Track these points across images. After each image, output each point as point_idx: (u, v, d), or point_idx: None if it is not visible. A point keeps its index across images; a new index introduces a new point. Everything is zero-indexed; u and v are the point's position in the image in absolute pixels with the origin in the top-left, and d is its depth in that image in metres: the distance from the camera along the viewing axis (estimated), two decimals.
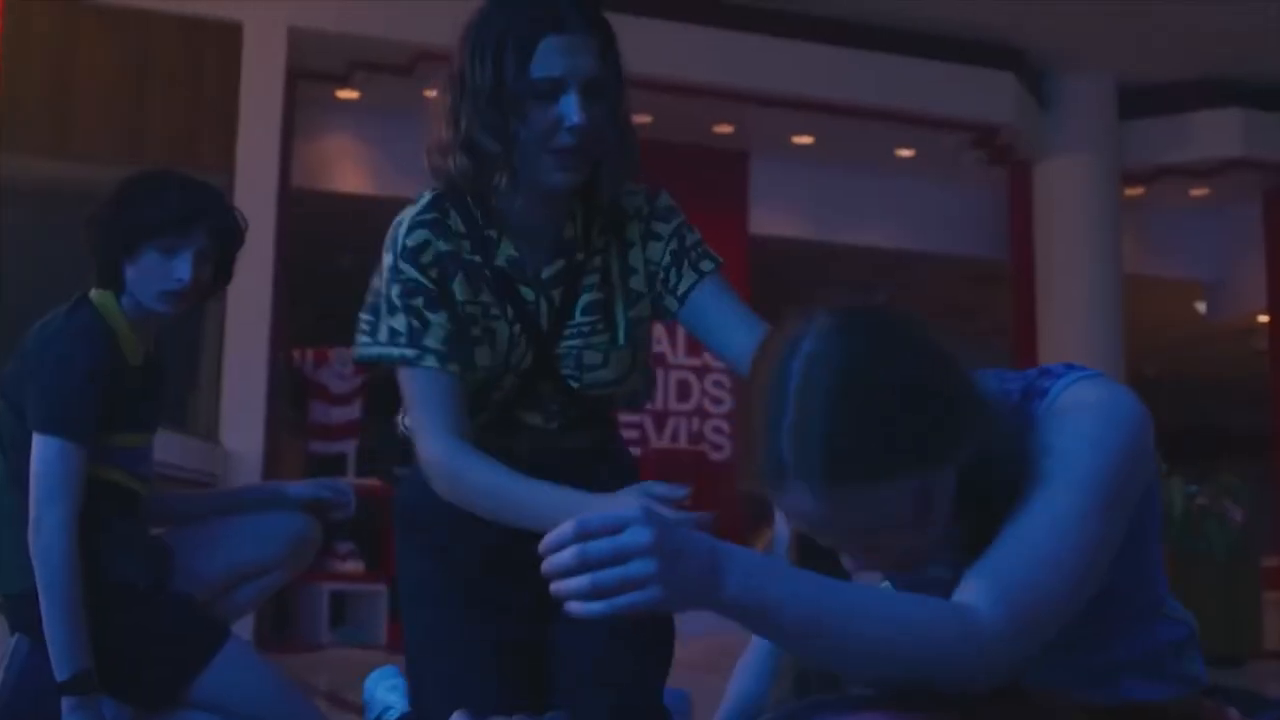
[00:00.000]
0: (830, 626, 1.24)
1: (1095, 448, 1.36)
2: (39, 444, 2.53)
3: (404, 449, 2.15)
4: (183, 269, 2.66)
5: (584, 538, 1.18)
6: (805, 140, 10.18)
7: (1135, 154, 10.58)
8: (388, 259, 2.05)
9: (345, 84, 9.14)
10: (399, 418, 2.22)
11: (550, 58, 1.92)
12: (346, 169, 9.71)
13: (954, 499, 1.36)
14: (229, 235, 2.76)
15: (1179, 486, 9.27)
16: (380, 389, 10.38)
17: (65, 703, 2.44)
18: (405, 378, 2.05)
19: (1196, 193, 11.24)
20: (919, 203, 10.90)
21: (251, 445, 8.08)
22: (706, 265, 2.13)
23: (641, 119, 9.59)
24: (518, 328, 2.07)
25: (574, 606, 1.18)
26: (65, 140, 7.90)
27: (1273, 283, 11.23)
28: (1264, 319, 11.55)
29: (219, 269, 2.77)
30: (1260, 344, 12.13)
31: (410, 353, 2.03)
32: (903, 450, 1.28)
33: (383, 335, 2.04)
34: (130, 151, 7.70)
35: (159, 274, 2.66)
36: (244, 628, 7.55)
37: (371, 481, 9.73)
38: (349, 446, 9.63)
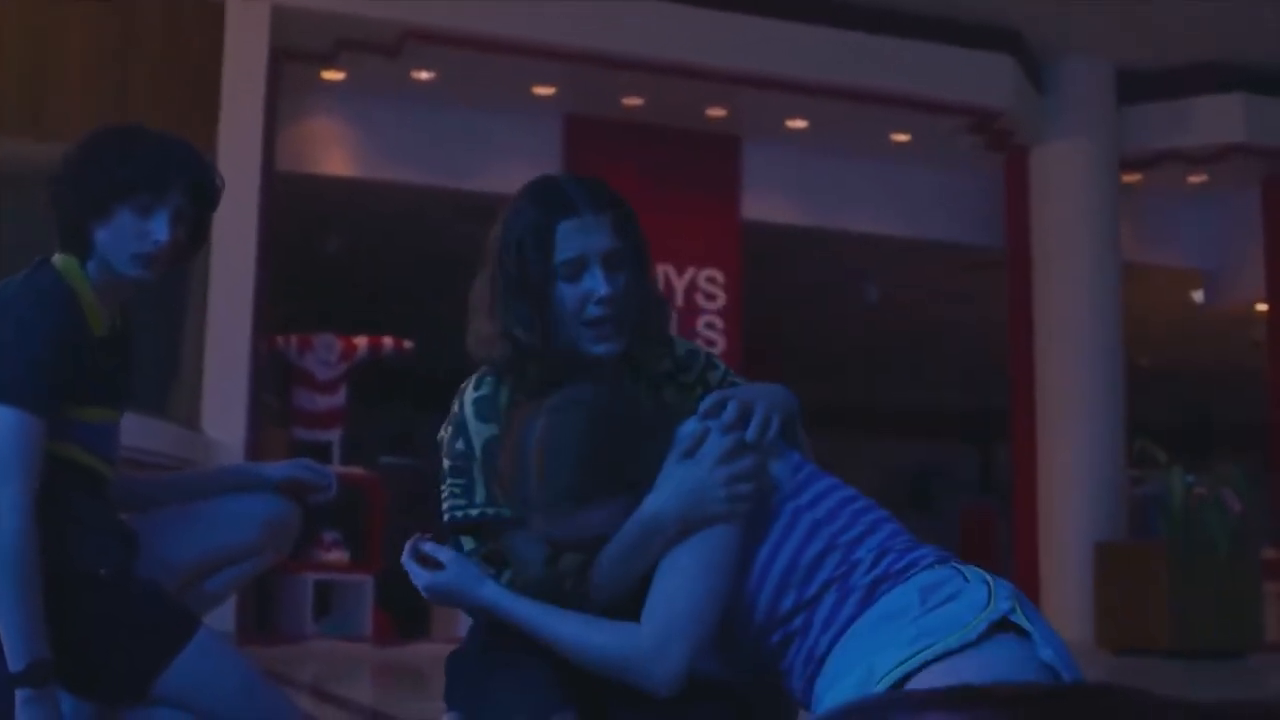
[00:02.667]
0: (549, 643, 2.01)
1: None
2: None
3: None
4: (160, 229, 2.48)
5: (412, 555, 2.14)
6: (799, 124, 10.03)
7: (1134, 139, 10.47)
8: (487, 429, 2.14)
9: (331, 64, 8.96)
10: None
11: (569, 240, 2.08)
12: (332, 152, 9.54)
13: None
14: (206, 193, 2.58)
15: (1178, 476, 9.17)
16: (365, 377, 10.26)
17: (19, 695, 2.25)
18: (511, 538, 2.14)
19: (1195, 179, 11.11)
20: (914, 188, 10.76)
21: (234, 433, 7.94)
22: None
23: (633, 102, 9.60)
24: None
25: None
26: (43, 121, 7.73)
27: (1271, 271, 11.11)
28: (1262, 308, 11.43)
29: (194, 230, 2.58)
30: (1257, 334, 12.04)
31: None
32: (599, 487, 1.99)
33: (481, 497, 2.13)
34: None
35: (133, 235, 2.47)
36: (224, 618, 7.41)
37: (357, 470, 9.68)
38: (334, 434, 9.51)
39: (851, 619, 1.91)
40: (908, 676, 1.74)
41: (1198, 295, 12.30)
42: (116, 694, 2.41)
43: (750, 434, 2.01)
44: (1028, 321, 10.36)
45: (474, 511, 2.12)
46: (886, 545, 1.97)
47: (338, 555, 9.20)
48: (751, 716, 2.16)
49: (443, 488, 2.17)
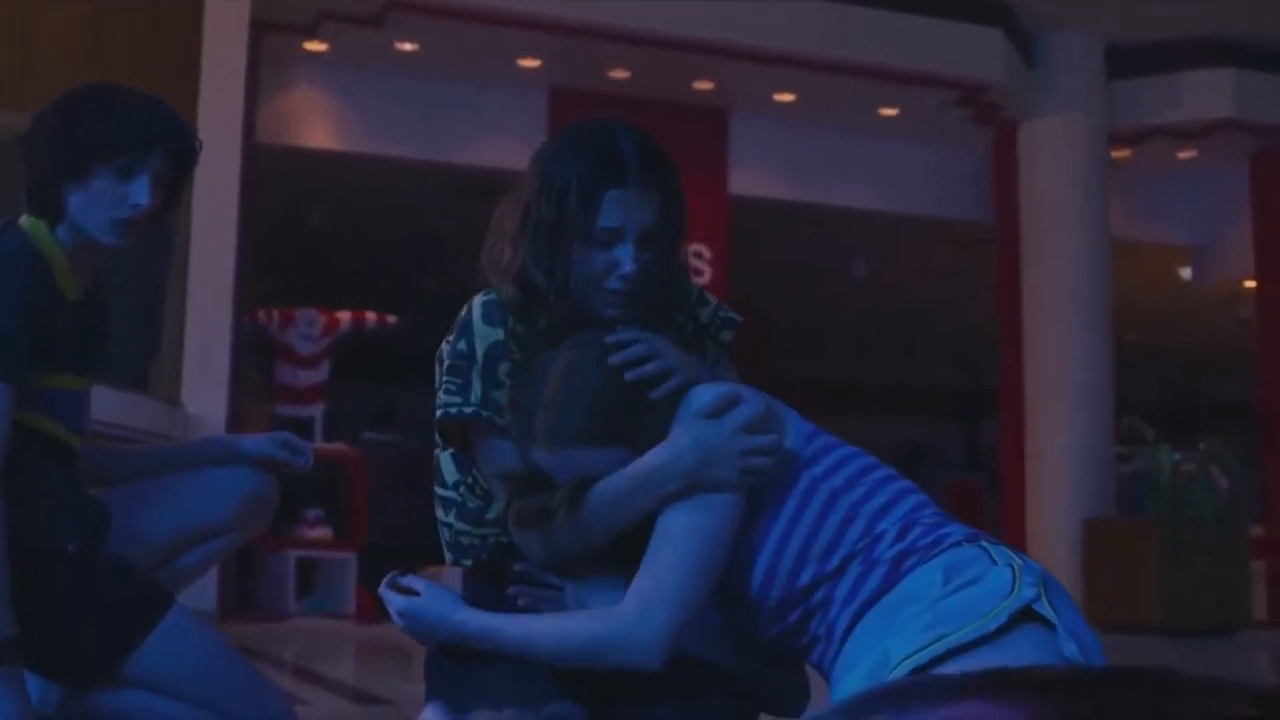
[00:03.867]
0: (529, 650, 1.91)
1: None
2: None
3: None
4: (140, 193, 2.37)
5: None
6: (787, 98, 9.94)
7: (1123, 114, 10.40)
8: (493, 333, 2.11)
9: (312, 35, 8.84)
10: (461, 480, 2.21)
11: (613, 209, 2.04)
12: (314, 124, 9.43)
13: None
14: (186, 157, 2.48)
15: (1166, 454, 9.14)
16: (348, 352, 10.17)
17: None
18: (498, 445, 2.08)
19: (1184, 155, 11.05)
20: (903, 163, 10.68)
21: (214, 408, 7.83)
22: (725, 335, 2.28)
23: (619, 74, 9.49)
24: None
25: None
26: (19, 92, 7.58)
27: (1260, 247, 11.06)
28: (1251, 284, 11.39)
29: (169, 195, 2.48)
30: (1245, 312, 12.00)
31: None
32: (603, 431, 1.95)
33: (476, 396, 2.08)
34: None
35: (111, 199, 2.37)
36: (206, 596, 7.32)
37: (340, 446, 9.60)
38: (316, 410, 9.43)
39: (874, 595, 1.81)
40: (920, 670, 1.66)
41: (1186, 272, 12.25)
42: (85, 675, 2.31)
43: (636, 373, 1.97)
44: (1016, 298, 10.29)
45: (468, 409, 2.05)
46: (913, 518, 1.87)
47: (320, 532, 9.13)
48: (758, 711, 2.08)
49: (438, 394, 2.11)
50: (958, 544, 1.83)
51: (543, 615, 1.95)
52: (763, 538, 1.90)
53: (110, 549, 2.37)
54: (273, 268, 10.46)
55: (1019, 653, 1.65)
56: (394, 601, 2.00)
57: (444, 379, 2.10)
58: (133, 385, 7.56)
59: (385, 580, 2.04)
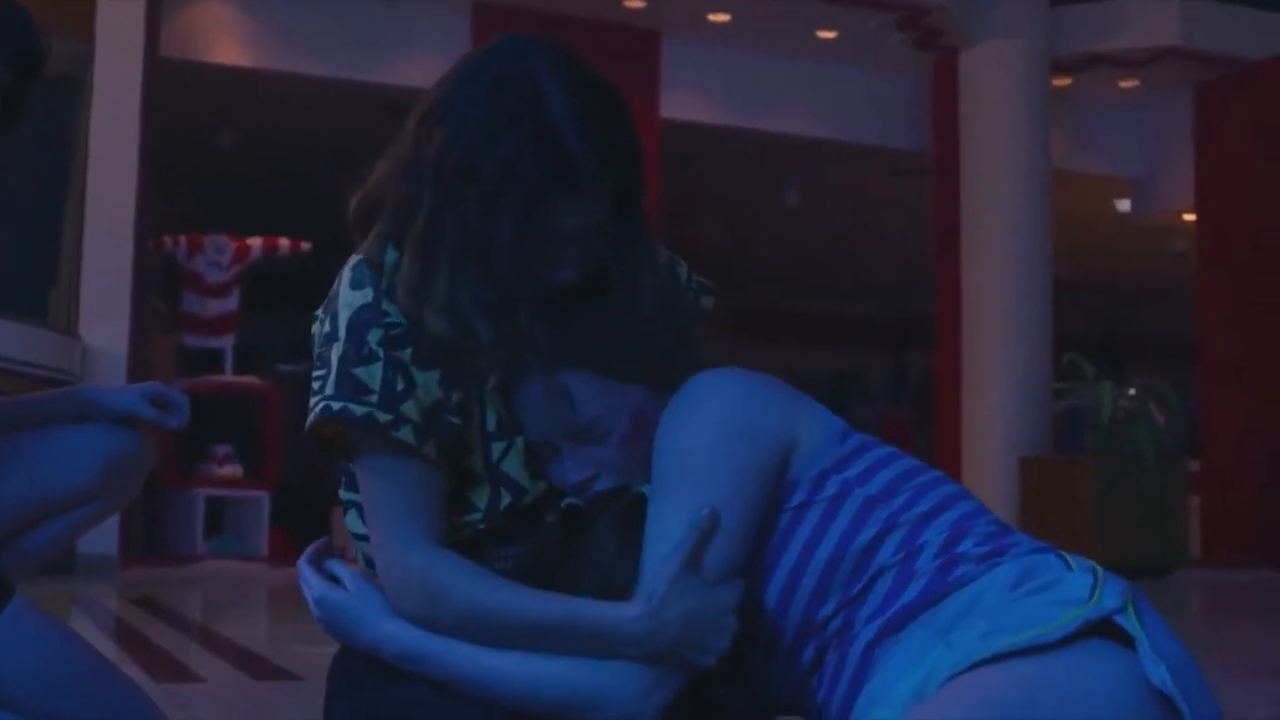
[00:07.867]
0: (480, 689, 1.53)
1: (675, 449, 1.55)
2: None
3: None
4: None
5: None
6: (721, 18, 9.60)
7: (1065, 42, 10.14)
8: (359, 296, 1.60)
9: None
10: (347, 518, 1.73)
11: (560, 219, 1.59)
12: (223, 39, 8.98)
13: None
14: (31, 60, 2.06)
15: (1108, 390, 8.98)
16: (260, 281, 9.74)
17: None
18: (370, 454, 1.59)
19: (1126, 84, 10.83)
20: (840, 89, 10.38)
21: (115, 340, 7.49)
22: (706, 302, 1.87)
23: None
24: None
25: None
26: None
27: (1200, 179, 10.86)
28: (1190, 217, 11.21)
29: (8, 106, 2.07)
30: (1180, 244, 11.86)
31: (384, 416, 1.56)
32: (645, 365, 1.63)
33: (331, 389, 1.57)
34: None
35: None
36: (107, 539, 6.95)
37: (252, 379, 9.20)
38: (226, 341, 9.05)
39: (911, 609, 1.47)
40: (955, 677, 1.36)
41: (1124, 205, 12.07)
42: None
43: None
44: (954, 228, 10.07)
45: (335, 405, 1.55)
46: (964, 526, 1.52)
47: (231, 469, 8.79)
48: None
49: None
50: (1024, 555, 1.50)
51: (503, 652, 1.53)
52: (778, 554, 1.53)
53: None
54: (179, 191, 10.04)
55: (1082, 671, 1.35)
56: (313, 586, 1.64)
57: (313, 373, 1.61)
58: (28, 316, 7.19)
59: (310, 550, 1.66)
